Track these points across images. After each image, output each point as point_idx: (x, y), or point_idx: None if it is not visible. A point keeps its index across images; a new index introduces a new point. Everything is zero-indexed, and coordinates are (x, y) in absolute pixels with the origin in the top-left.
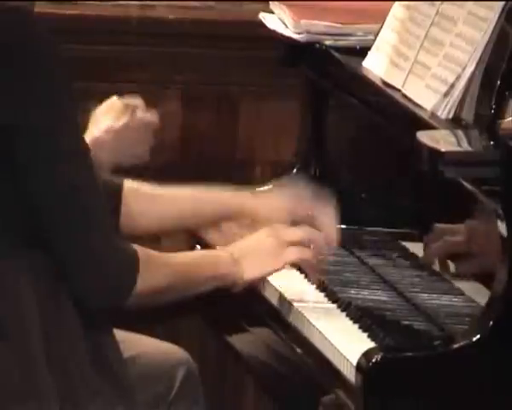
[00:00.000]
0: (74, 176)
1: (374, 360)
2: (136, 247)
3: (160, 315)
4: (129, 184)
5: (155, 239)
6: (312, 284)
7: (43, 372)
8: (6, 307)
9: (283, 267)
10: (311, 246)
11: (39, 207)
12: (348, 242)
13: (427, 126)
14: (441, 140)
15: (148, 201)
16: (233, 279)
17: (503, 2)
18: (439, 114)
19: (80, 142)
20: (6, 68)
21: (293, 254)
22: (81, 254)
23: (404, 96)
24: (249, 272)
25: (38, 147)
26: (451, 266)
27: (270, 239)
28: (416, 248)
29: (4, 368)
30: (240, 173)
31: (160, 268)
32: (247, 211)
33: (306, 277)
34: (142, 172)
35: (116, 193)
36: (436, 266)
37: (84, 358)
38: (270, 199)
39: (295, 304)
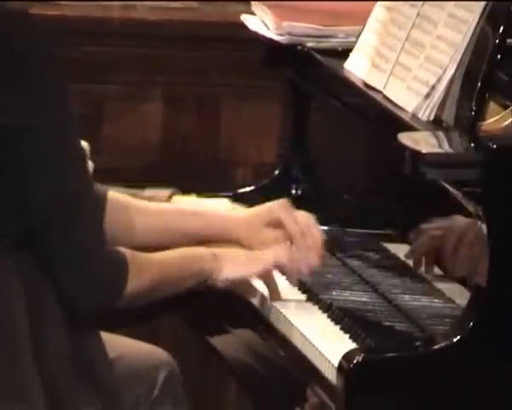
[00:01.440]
0: (71, 178)
1: (355, 361)
2: (123, 249)
3: (140, 316)
4: (114, 195)
5: None
6: (292, 285)
7: (30, 372)
8: None
9: (262, 271)
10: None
11: (33, 207)
12: (330, 243)
13: (408, 128)
14: (422, 142)
15: (134, 213)
16: (214, 274)
17: (483, 4)
18: (420, 115)
19: (78, 145)
20: (7, 70)
21: (270, 262)
22: (73, 258)
23: (386, 98)
24: (228, 269)
25: (38, 148)
26: (434, 268)
27: (255, 251)
28: (398, 249)
29: None
30: (222, 174)
31: (147, 269)
32: (231, 234)
33: (288, 278)
34: (124, 172)
35: (101, 202)
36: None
37: (68, 358)
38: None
39: (277, 305)
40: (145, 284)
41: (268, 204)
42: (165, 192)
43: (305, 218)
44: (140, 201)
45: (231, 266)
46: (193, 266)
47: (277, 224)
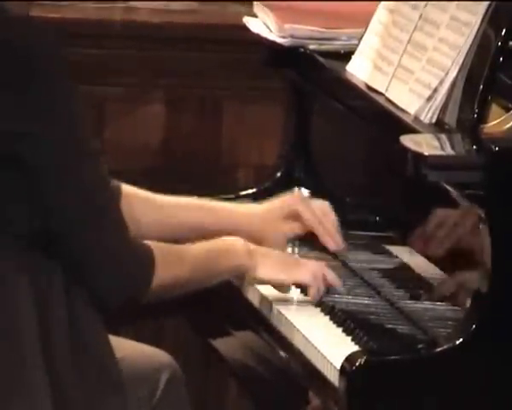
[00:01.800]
0: (89, 177)
1: (357, 364)
2: (150, 243)
3: (144, 316)
4: (128, 189)
5: None
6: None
7: (39, 372)
8: (2, 308)
9: (292, 283)
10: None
11: (53, 209)
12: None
13: (410, 130)
14: (424, 144)
15: (149, 207)
16: (246, 272)
17: (485, 7)
18: (422, 118)
19: (92, 143)
20: (10, 75)
21: (306, 278)
22: (98, 255)
23: (388, 101)
24: (262, 269)
25: (52, 150)
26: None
27: (287, 254)
28: (400, 251)
29: None
30: (223, 176)
31: (175, 263)
32: (240, 228)
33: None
34: (126, 174)
35: (116, 197)
36: (418, 271)
37: (75, 358)
38: (268, 215)
39: (279, 307)
40: (173, 279)
41: (283, 198)
42: None
43: (321, 207)
44: (146, 192)
45: (266, 266)
46: (225, 262)
47: (295, 216)
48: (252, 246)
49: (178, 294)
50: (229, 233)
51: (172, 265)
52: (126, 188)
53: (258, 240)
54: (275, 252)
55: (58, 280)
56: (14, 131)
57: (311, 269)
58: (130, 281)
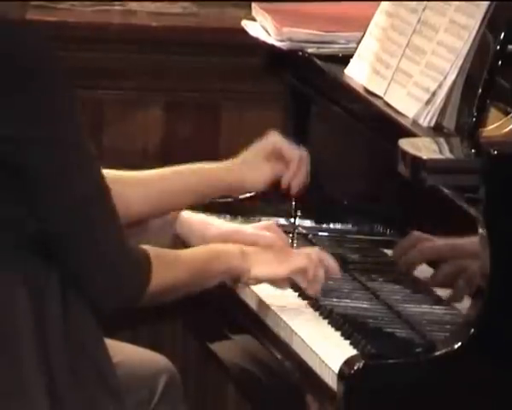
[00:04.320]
0: (85, 184)
1: (355, 368)
2: (146, 247)
3: (142, 320)
4: (112, 175)
5: None
6: (306, 297)
7: (32, 374)
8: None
9: (290, 274)
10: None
11: (49, 218)
12: (330, 249)
13: (409, 134)
14: (423, 148)
15: (134, 185)
16: (241, 273)
17: (484, 11)
18: (420, 121)
19: (89, 150)
20: (9, 82)
21: (302, 262)
22: (95, 261)
23: (386, 104)
24: (257, 268)
25: (48, 159)
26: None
27: (280, 249)
28: None
29: None
30: None
31: (170, 267)
32: (236, 183)
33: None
34: None
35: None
36: (416, 274)
37: (70, 355)
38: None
39: (277, 311)
40: (168, 283)
41: (263, 140)
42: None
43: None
44: (129, 172)
45: (260, 265)
46: (220, 265)
47: (278, 156)
48: (245, 247)
49: (174, 297)
50: (212, 192)
51: (169, 268)
52: (110, 173)
53: (240, 188)
54: (268, 251)
55: (54, 281)
56: (11, 140)
57: (307, 254)
58: (125, 285)
